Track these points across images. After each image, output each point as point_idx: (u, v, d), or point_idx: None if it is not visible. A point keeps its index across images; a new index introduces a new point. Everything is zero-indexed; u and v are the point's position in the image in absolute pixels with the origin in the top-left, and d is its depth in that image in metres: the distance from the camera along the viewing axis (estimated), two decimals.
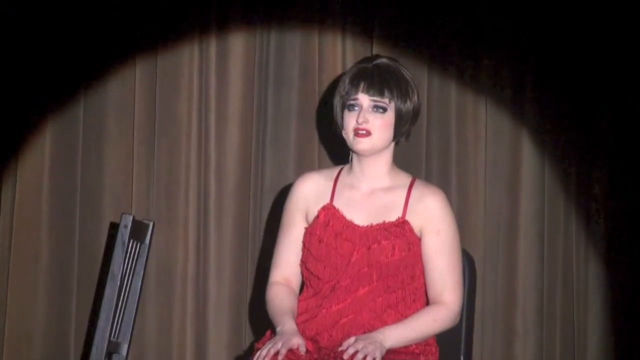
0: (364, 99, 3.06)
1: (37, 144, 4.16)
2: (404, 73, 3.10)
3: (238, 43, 4.13)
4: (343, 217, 3.09)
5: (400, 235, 3.04)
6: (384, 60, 3.11)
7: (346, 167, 3.18)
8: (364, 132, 3.05)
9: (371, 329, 3.02)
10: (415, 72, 4.08)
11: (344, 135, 3.10)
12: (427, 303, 3.10)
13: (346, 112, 3.08)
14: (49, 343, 4.15)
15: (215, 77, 4.12)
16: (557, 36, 4.10)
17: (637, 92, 3.99)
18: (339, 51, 4.09)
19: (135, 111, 4.14)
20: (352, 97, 3.06)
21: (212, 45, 4.12)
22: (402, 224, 3.06)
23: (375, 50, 4.04)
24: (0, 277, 4.15)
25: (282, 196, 3.22)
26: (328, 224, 3.09)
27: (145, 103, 4.14)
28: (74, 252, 4.16)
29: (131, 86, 4.15)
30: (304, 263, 3.13)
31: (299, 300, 3.14)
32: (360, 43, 4.11)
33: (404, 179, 3.13)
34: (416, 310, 3.07)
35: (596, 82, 4.08)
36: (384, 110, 3.06)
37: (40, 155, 4.16)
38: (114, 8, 4.09)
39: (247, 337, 4.14)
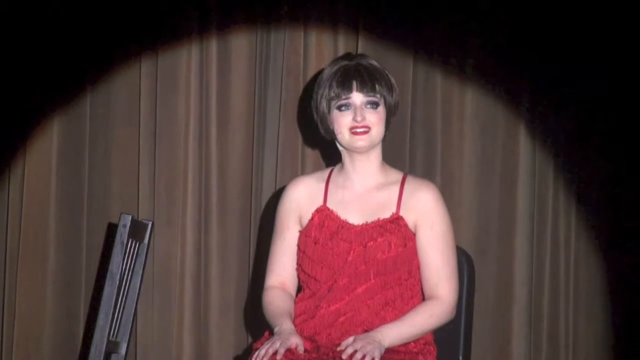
0: (358, 97, 3.07)
1: (44, 145, 4.17)
2: (382, 67, 3.14)
3: (239, 43, 4.13)
4: (337, 217, 3.10)
5: (396, 231, 3.05)
6: (363, 57, 3.15)
7: (337, 167, 3.19)
8: (363, 129, 3.06)
9: (370, 326, 3.03)
10: (400, 69, 4.08)
11: (337, 136, 3.11)
12: (424, 298, 3.11)
13: (337, 113, 3.09)
14: (58, 343, 4.16)
15: (217, 77, 4.12)
16: (551, 29, 4.08)
17: (635, 90, 3.99)
18: (330, 51, 4.09)
19: (141, 112, 4.15)
20: (344, 97, 3.07)
21: (213, 45, 4.12)
22: (396, 220, 3.07)
23: (361, 47, 4.03)
24: (9, 278, 4.16)
25: (276, 199, 3.22)
26: (323, 225, 3.10)
27: (150, 104, 4.14)
28: (82, 252, 4.17)
29: (136, 87, 4.16)
30: (300, 266, 3.14)
31: (296, 302, 3.14)
32: (347, 39, 4.09)
33: (396, 175, 3.15)
34: (414, 306, 3.08)
35: (593, 81, 4.07)
36: (377, 105, 3.09)
37: (47, 157, 4.16)
38: (118, 8, 4.09)
39: (250, 337, 4.14)
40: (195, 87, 4.11)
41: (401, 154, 4.07)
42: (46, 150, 4.16)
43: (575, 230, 4.12)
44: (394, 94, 3.13)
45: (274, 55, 4.13)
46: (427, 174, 4.03)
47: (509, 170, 4.11)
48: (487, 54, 4.08)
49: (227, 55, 4.12)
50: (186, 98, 4.12)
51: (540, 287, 4.11)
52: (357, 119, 3.07)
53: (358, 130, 3.07)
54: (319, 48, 4.07)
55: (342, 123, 3.08)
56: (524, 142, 4.10)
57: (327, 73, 3.12)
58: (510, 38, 4.08)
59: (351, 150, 3.12)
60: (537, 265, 4.10)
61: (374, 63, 3.13)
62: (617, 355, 4.07)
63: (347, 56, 3.16)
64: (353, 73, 3.08)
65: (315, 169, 4.02)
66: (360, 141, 3.08)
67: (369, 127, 3.08)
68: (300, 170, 4.08)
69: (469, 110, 4.10)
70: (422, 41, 4.09)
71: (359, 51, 4.00)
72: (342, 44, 4.07)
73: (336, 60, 3.17)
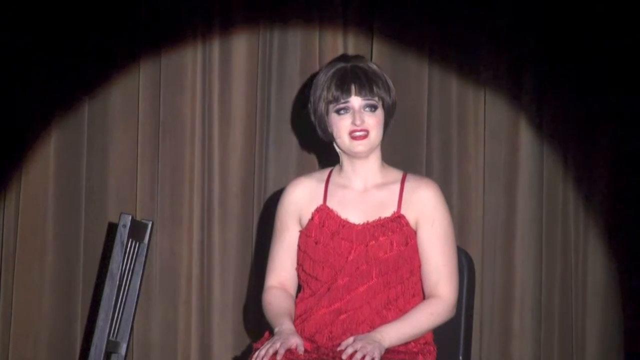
0: (356, 101, 3.07)
1: (43, 145, 4.16)
2: (378, 67, 3.14)
3: (241, 43, 4.13)
4: (338, 217, 3.10)
5: (397, 229, 3.05)
6: (359, 59, 3.14)
7: (336, 168, 3.19)
8: (362, 133, 3.06)
9: (371, 324, 3.03)
10: (416, 72, 4.08)
11: (337, 140, 3.10)
12: (424, 297, 3.11)
13: (335, 117, 3.08)
14: (55, 343, 4.16)
15: (219, 77, 4.12)
16: (557, 32, 4.09)
17: (637, 89, 4.00)
18: (340, 51, 4.09)
19: (140, 112, 4.14)
20: (343, 101, 3.06)
21: (215, 46, 4.12)
22: (398, 219, 3.06)
23: (376, 50, 4.04)
24: (6, 278, 4.16)
25: (277, 200, 3.22)
26: (323, 224, 3.09)
27: (150, 104, 4.14)
28: (80, 253, 4.16)
29: (135, 87, 4.16)
30: (300, 266, 3.13)
31: (297, 303, 3.14)
32: (361, 42, 4.10)
33: (395, 174, 3.14)
34: (416, 304, 3.07)
35: (595, 81, 4.07)
36: (375, 108, 3.08)
37: (45, 157, 4.16)
38: (118, 9, 4.09)
39: (250, 337, 4.14)
40: (199, 87, 4.11)
41: (418, 158, 4.07)
42: (44, 150, 4.16)
43: (584, 232, 4.12)
44: (392, 94, 3.12)
45: (278, 56, 4.12)
46: (443, 178, 4.05)
47: (521, 173, 4.11)
48: (499, 56, 4.09)
49: (230, 56, 4.12)
50: (191, 99, 4.12)
51: (551, 289, 4.11)
52: (356, 123, 3.06)
53: (357, 134, 3.07)
54: (334, 47, 4.07)
55: (342, 127, 3.08)
56: (533, 146, 4.10)
57: (323, 75, 3.11)
58: (521, 38, 4.09)
59: (350, 155, 3.11)
60: (547, 267, 4.10)
61: (371, 64, 3.13)
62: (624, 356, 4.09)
63: (343, 58, 3.15)
64: (351, 76, 3.07)
65: (318, 169, 4.02)
66: (360, 146, 3.08)
67: (367, 131, 3.07)
68: (304, 172, 4.07)
69: (484, 114, 4.11)
70: (437, 44, 4.09)
71: (374, 55, 4.00)
72: (358, 48, 4.07)
73: (332, 62, 3.15)
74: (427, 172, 4.06)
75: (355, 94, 3.07)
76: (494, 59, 4.11)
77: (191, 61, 4.12)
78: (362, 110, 3.07)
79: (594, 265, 4.12)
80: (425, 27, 4.10)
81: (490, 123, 4.12)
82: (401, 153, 4.03)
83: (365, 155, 3.10)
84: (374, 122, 3.07)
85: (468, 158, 4.11)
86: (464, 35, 4.10)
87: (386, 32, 4.09)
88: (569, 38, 4.09)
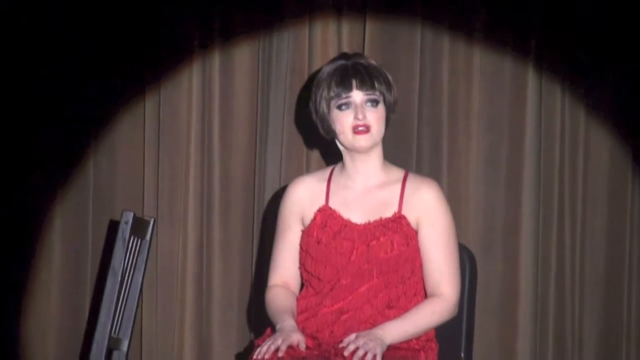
0: (358, 96, 3.06)
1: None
2: (379, 65, 3.14)
3: (241, 41, 4.13)
4: (340, 217, 3.10)
5: (398, 230, 3.05)
6: (359, 56, 3.15)
7: (338, 166, 3.19)
8: (364, 128, 3.06)
9: (373, 323, 3.04)
10: (407, 69, 4.07)
11: (340, 136, 3.10)
12: (426, 296, 3.11)
13: (337, 113, 3.08)
14: (63, 341, 4.17)
15: (219, 75, 4.12)
16: (558, 29, 4.09)
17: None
18: (335, 46, 4.08)
19: (146, 111, 4.15)
20: (344, 96, 3.06)
21: (216, 44, 4.12)
22: (398, 219, 3.06)
23: (367, 45, 4.03)
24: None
25: (278, 198, 3.23)
26: (325, 224, 3.10)
27: (155, 102, 4.15)
28: (87, 250, 4.18)
29: (141, 85, 4.16)
30: (302, 265, 3.14)
31: (298, 300, 3.14)
32: (354, 34, 4.09)
33: (397, 173, 3.14)
34: (417, 304, 3.08)
35: (596, 81, 4.07)
36: (377, 103, 3.08)
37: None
38: (121, 8, 4.10)
39: (252, 334, 4.14)
40: (198, 85, 4.12)
41: (409, 153, 4.06)
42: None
43: (581, 227, 4.11)
44: (393, 91, 3.13)
45: (276, 54, 4.12)
46: (433, 173, 4.03)
47: (515, 168, 4.09)
48: (492, 47, 4.09)
49: (230, 53, 4.12)
50: (188, 96, 4.12)
51: (546, 284, 4.10)
52: (359, 117, 3.06)
53: (359, 129, 3.07)
54: (324, 43, 4.07)
55: (345, 123, 3.08)
56: (529, 140, 4.09)
57: (324, 73, 3.11)
58: (520, 35, 4.09)
59: (352, 150, 3.11)
60: (542, 262, 4.09)
61: (372, 61, 3.13)
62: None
63: (344, 56, 3.16)
64: (352, 72, 3.07)
65: (319, 167, 4.02)
66: (362, 141, 3.08)
67: (369, 126, 3.07)
68: (304, 169, 4.08)
69: (475, 108, 4.10)
70: (427, 40, 4.09)
71: (366, 43, 4.00)
72: (348, 38, 4.06)
73: (333, 60, 3.15)
74: (417, 168, 4.04)
75: (357, 88, 3.07)
76: (491, 51, 4.10)
77: (191, 60, 4.12)
78: (363, 105, 3.07)
79: (590, 260, 4.12)
80: (415, 21, 4.09)
81: (486, 117, 4.10)
82: (391, 149, 4.01)
83: (367, 150, 3.10)
84: (375, 118, 3.07)
85: (459, 153, 4.09)
86: (457, 26, 4.08)
87: (377, 23, 4.07)
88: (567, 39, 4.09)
